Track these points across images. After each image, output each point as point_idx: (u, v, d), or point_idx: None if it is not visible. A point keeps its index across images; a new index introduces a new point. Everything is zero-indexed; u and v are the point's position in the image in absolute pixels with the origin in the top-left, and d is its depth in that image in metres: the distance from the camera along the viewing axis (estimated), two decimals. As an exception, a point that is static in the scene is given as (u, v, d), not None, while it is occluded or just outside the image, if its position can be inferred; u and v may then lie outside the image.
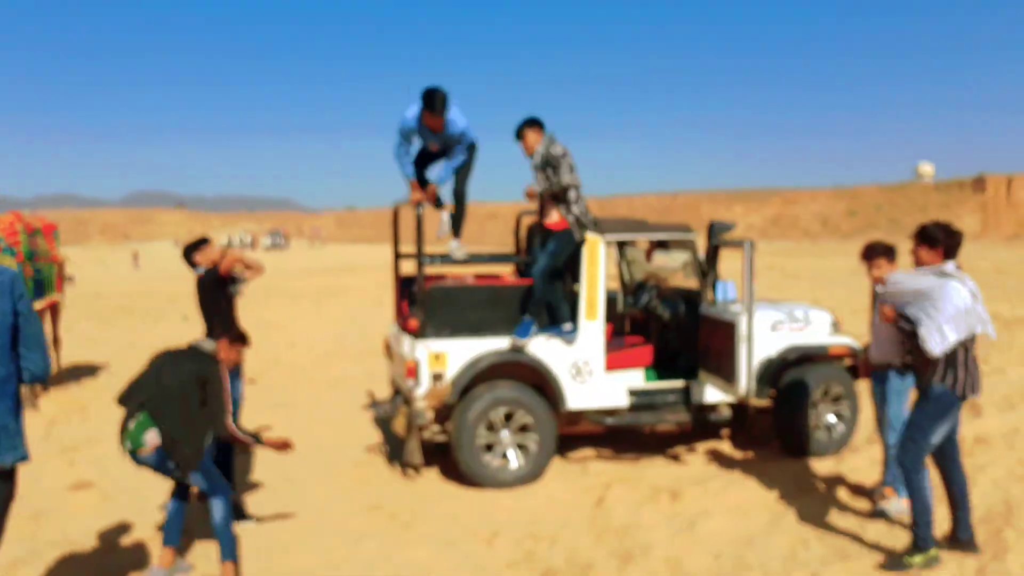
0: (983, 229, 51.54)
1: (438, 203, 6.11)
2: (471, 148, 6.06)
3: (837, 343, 6.54)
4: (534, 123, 5.93)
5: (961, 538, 4.53)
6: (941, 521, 4.94)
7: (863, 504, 5.31)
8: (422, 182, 6.18)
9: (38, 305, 8.43)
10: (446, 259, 6.09)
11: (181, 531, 4.53)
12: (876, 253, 5.04)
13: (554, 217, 5.87)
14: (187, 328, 11.95)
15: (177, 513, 4.51)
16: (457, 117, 5.77)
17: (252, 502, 5.56)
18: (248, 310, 6.05)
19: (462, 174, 6.10)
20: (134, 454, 4.15)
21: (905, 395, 5.09)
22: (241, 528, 5.15)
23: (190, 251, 5.52)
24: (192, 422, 4.13)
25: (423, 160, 6.19)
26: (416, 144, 6.08)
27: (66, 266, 9.52)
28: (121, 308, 18.86)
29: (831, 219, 60.79)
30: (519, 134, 5.95)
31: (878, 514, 5.07)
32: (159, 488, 5.42)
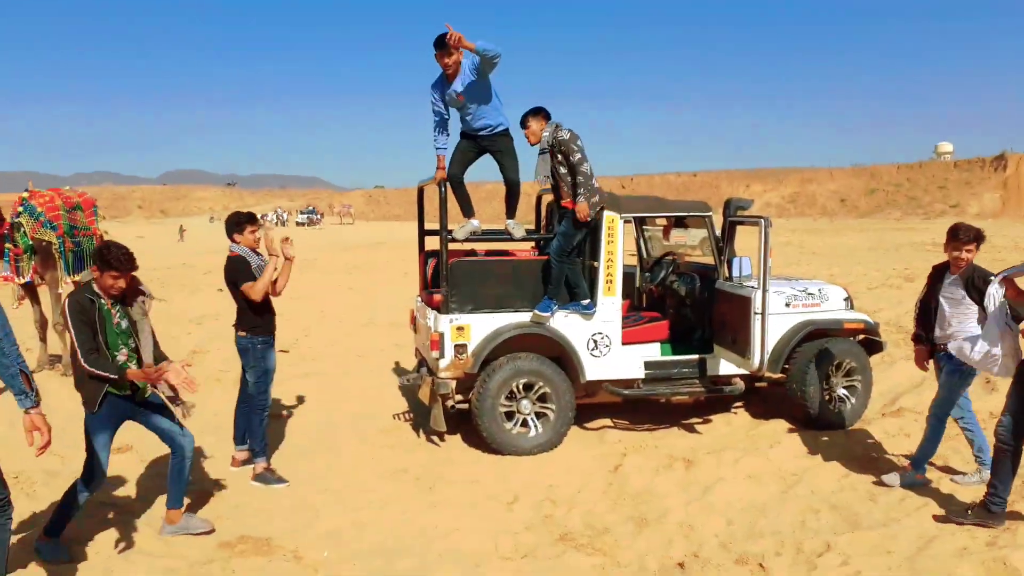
0: (1004, 207, 50.91)
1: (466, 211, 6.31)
2: (507, 135, 6.16)
3: (851, 318, 6.66)
4: (537, 112, 6.05)
5: (993, 510, 4.55)
6: (948, 494, 5.08)
7: (874, 475, 5.43)
8: (466, 208, 6.34)
9: (78, 277, 8.70)
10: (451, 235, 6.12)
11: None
12: (972, 237, 4.96)
13: (567, 197, 6.01)
14: (221, 300, 12.18)
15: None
16: (468, 64, 5.84)
17: (284, 466, 5.77)
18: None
19: (510, 162, 6.17)
20: None
21: (969, 378, 5.05)
22: (273, 491, 5.38)
23: (234, 226, 5.51)
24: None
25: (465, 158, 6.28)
26: (450, 119, 6.17)
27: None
28: (159, 280, 19.21)
29: (849, 197, 60.25)
30: (522, 123, 6.06)
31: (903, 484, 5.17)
32: (197, 449, 5.62)
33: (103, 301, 4.24)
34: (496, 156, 6.22)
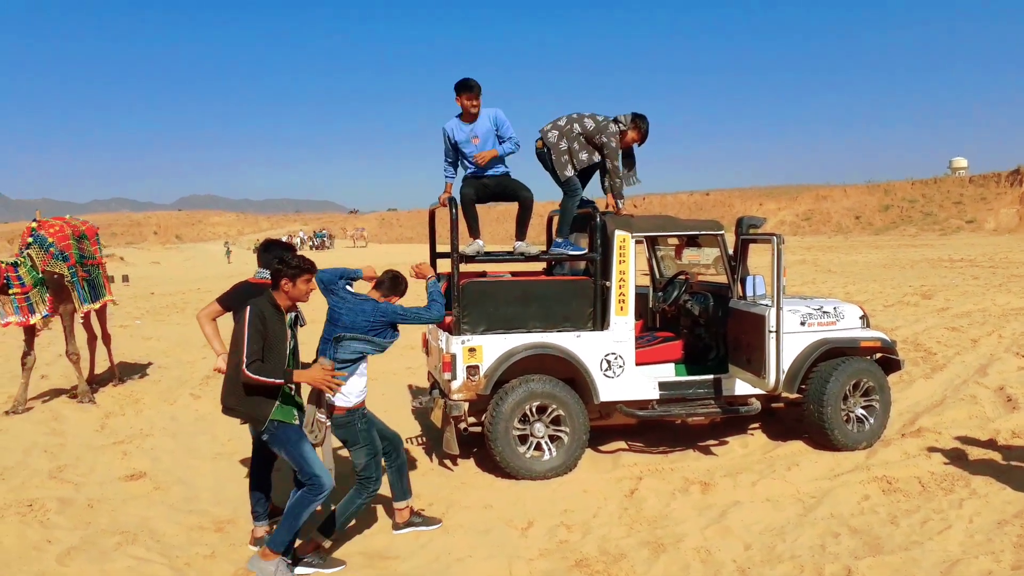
0: (1020, 222, 50.46)
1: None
2: (510, 178, 6.34)
3: (868, 337, 6.59)
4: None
5: None
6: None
7: (895, 497, 5.35)
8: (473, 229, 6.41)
9: (96, 306, 8.64)
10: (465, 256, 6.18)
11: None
12: None
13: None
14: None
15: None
16: (493, 114, 6.16)
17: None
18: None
19: (520, 188, 6.31)
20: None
21: None
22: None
23: (270, 250, 5.14)
24: None
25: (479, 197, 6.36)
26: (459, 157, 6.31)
27: (107, 267, 9.73)
28: (173, 306, 19.42)
29: (864, 214, 59.91)
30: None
31: None
32: (210, 478, 5.61)
33: (287, 316, 4.33)
34: (505, 195, 6.37)
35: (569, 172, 6.39)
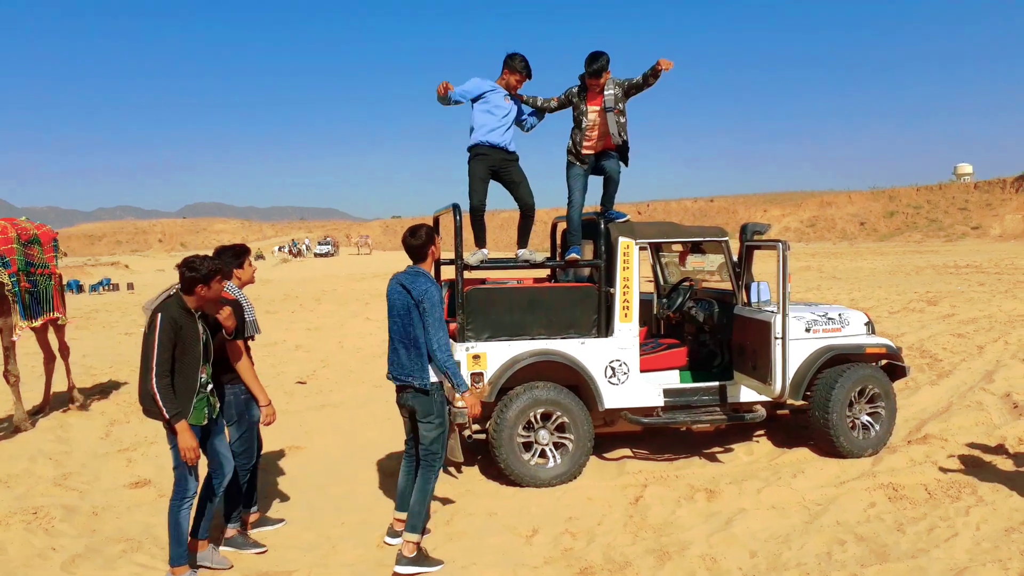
0: (1026, 228, 50.37)
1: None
2: (518, 162, 6.32)
3: (873, 343, 6.57)
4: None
5: None
6: None
7: (902, 505, 5.32)
8: (480, 238, 6.37)
9: (36, 323, 7.54)
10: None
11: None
12: None
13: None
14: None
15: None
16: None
17: (299, 500, 5.74)
18: (298, 314, 6.21)
19: (524, 185, 6.29)
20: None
21: None
22: (291, 526, 5.31)
23: (224, 256, 5.03)
24: None
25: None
26: (477, 104, 6.22)
27: (64, 280, 8.62)
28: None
29: (869, 220, 59.89)
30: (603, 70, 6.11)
31: None
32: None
33: (197, 314, 4.37)
34: (509, 180, 6.27)
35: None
